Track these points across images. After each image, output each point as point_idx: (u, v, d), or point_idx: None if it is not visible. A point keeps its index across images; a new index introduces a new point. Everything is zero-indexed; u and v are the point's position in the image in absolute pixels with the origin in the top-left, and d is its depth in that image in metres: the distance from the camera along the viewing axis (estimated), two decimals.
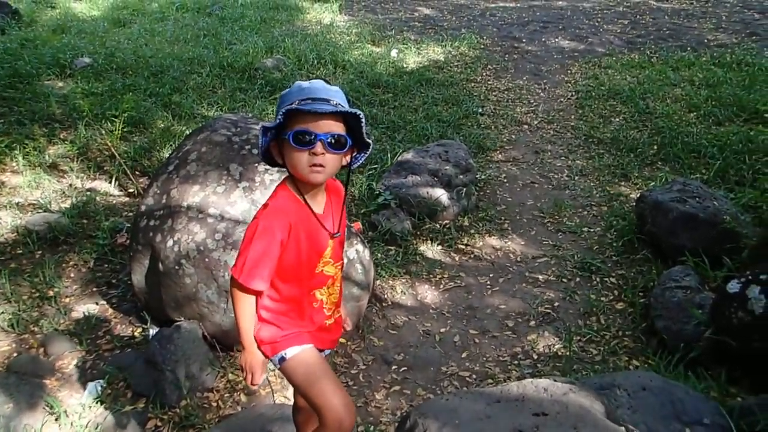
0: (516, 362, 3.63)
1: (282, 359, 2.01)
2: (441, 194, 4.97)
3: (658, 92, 7.19)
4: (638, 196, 4.80)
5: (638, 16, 10.56)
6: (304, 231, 1.93)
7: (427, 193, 4.95)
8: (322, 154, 1.83)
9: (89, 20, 9.94)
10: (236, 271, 1.91)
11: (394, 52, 8.65)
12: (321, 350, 2.15)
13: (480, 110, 7.11)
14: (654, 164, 5.81)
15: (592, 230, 4.94)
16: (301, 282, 2.00)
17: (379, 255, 4.50)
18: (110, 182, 5.31)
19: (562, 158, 6.13)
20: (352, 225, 3.80)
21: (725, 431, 2.49)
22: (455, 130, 6.53)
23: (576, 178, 5.74)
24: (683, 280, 3.78)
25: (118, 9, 10.61)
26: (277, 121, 1.82)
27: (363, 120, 1.88)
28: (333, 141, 1.84)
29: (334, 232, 2.03)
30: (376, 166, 5.57)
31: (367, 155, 2.03)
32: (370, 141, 1.95)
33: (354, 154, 2.00)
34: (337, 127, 1.85)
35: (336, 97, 1.85)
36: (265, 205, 1.94)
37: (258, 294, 1.96)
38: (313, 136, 1.81)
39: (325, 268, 2.03)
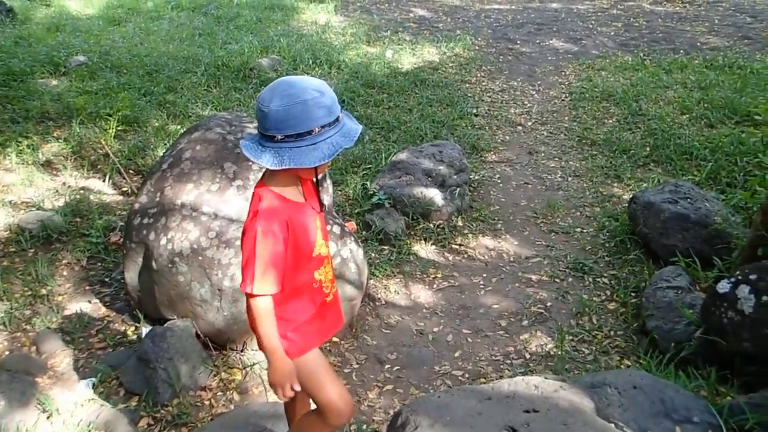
0: (508, 361, 3.64)
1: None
2: (435, 194, 4.98)
3: (650, 94, 7.23)
4: (631, 197, 4.83)
5: (632, 19, 10.61)
6: (297, 223, 1.97)
7: (421, 193, 4.97)
8: None
9: (84, 18, 9.92)
10: (247, 286, 1.91)
11: (389, 53, 8.67)
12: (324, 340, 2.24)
13: (474, 111, 7.13)
14: (646, 166, 5.85)
15: (584, 231, 4.96)
16: (302, 270, 2.04)
17: (373, 254, 4.51)
18: (104, 181, 5.31)
19: (556, 159, 6.16)
20: (346, 224, 3.81)
21: (715, 429, 2.51)
22: (449, 130, 6.55)
23: (569, 179, 5.77)
24: (674, 281, 3.81)
25: (113, 7, 10.59)
26: (334, 154, 1.84)
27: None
28: None
29: (318, 209, 2.10)
30: (370, 165, 5.59)
31: None
32: None
33: None
34: None
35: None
36: (254, 212, 1.93)
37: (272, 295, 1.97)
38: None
39: (321, 249, 2.09)
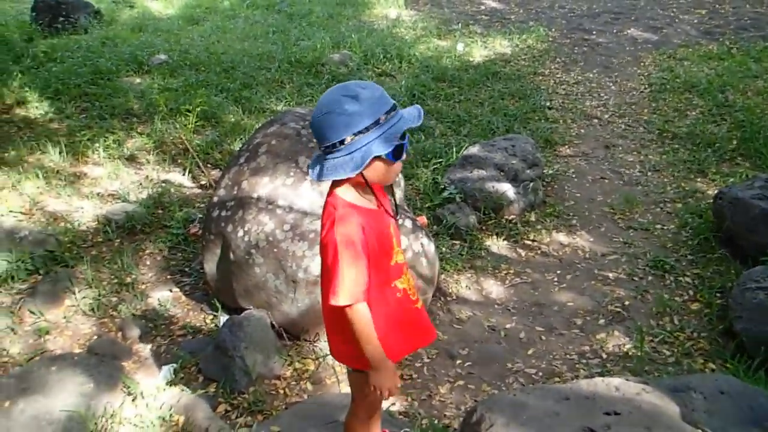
0: (584, 361, 3.55)
1: (359, 371, 2.07)
2: (507, 189, 4.90)
3: (738, 84, 6.85)
4: (716, 192, 4.59)
5: (717, 5, 10.08)
6: (373, 230, 1.91)
7: (493, 187, 4.90)
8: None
9: (165, 19, 10.30)
10: (339, 298, 1.83)
11: (460, 46, 8.58)
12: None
13: (548, 104, 6.97)
14: (733, 160, 5.56)
15: (665, 227, 4.77)
16: (383, 280, 1.99)
17: (444, 249, 4.48)
18: (183, 174, 5.50)
19: (634, 153, 5.94)
20: (417, 219, 3.80)
21: None
22: (522, 124, 6.43)
23: (649, 173, 5.56)
24: (765, 281, 3.60)
25: (192, 7, 10.93)
26: (395, 145, 1.81)
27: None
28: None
29: (394, 215, 2.05)
30: (441, 160, 5.55)
31: None
32: None
33: None
34: None
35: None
36: (331, 222, 1.87)
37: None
38: (405, 147, 1.86)
39: (398, 257, 2.04)
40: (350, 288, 1.83)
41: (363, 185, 1.90)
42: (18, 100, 6.69)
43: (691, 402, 2.46)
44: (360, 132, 1.78)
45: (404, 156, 1.88)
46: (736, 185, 4.51)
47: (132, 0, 11.25)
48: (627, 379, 2.26)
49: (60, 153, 5.58)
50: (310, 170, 1.89)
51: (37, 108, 6.56)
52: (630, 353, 3.56)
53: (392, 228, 2.04)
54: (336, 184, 1.93)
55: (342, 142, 1.79)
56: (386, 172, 1.89)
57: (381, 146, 1.79)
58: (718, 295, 3.92)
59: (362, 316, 1.87)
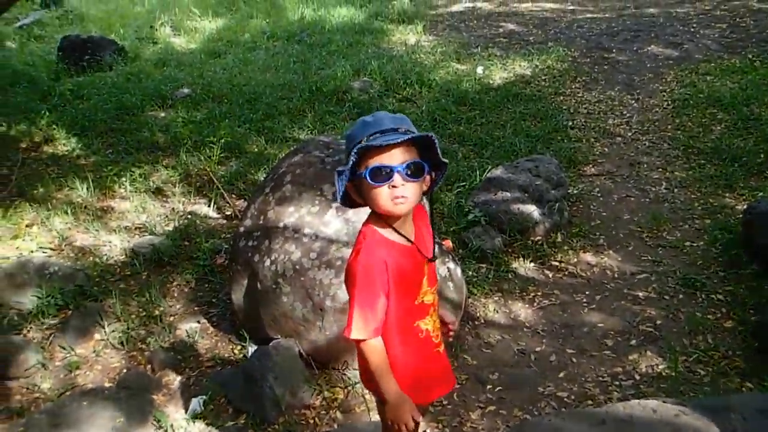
0: (617, 383, 3.48)
1: (381, 402, 2.02)
2: (532, 210, 4.87)
3: (763, 98, 6.76)
4: (745, 207, 4.52)
5: (737, 19, 10.01)
6: (397, 267, 1.89)
7: (518, 209, 4.87)
8: (402, 185, 1.80)
9: (187, 53, 10.50)
10: (352, 332, 1.85)
11: (479, 69, 8.61)
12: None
13: (570, 123, 6.94)
14: (761, 173, 5.46)
15: (694, 244, 4.69)
16: (403, 318, 1.97)
17: (471, 273, 4.45)
18: (209, 205, 5.56)
19: (660, 170, 5.88)
20: (443, 242, 3.79)
21: None
22: (545, 144, 6.40)
23: (675, 190, 5.48)
24: None
25: (213, 41, 11.15)
26: (351, 162, 1.79)
27: (436, 141, 1.85)
28: (410, 170, 1.81)
29: (430, 257, 2.00)
30: (464, 183, 5.54)
31: (444, 175, 1.98)
32: (445, 161, 1.91)
33: (433, 176, 1.95)
34: (411, 154, 1.83)
35: (403, 123, 1.83)
36: (356, 252, 1.89)
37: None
38: (389, 170, 1.78)
39: (425, 297, 2.00)
40: (362, 323, 1.83)
41: (393, 218, 1.89)
42: (46, 137, 6.86)
43: (729, 423, 2.40)
44: (350, 152, 1.81)
45: (393, 181, 1.80)
46: (765, 199, 4.43)
47: (155, 36, 11.50)
48: (664, 401, 2.21)
49: (87, 188, 5.69)
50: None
51: (64, 145, 6.72)
52: (664, 374, 3.48)
53: (426, 267, 1.99)
54: (371, 214, 1.94)
55: (347, 163, 1.84)
56: (374, 196, 1.83)
57: (343, 165, 1.83)
58: (751, 311, 3.83)
59: (374, 352, 1.87)
